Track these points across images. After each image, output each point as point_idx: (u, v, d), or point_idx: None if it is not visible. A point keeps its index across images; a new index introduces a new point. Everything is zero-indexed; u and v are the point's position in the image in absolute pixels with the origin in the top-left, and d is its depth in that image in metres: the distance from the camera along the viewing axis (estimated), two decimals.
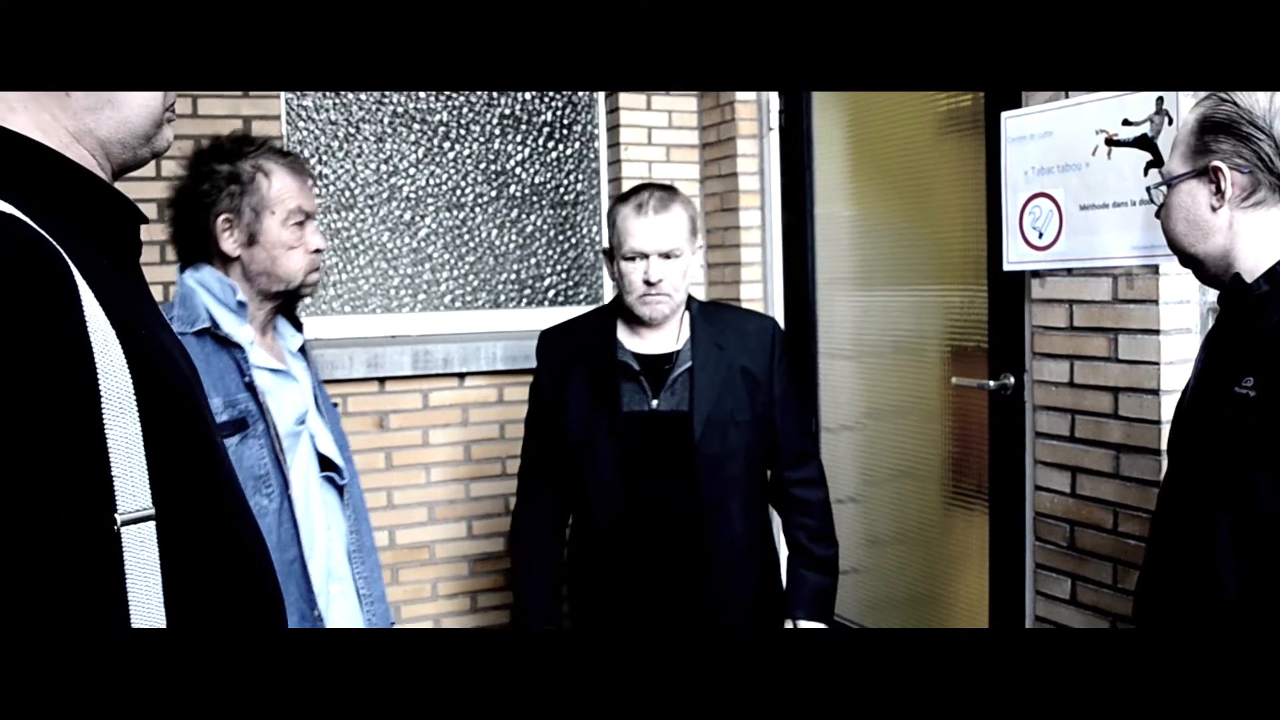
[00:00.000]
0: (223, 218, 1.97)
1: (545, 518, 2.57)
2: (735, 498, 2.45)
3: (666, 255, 2.38)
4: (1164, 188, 1.75)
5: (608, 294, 3.95)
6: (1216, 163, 1.65)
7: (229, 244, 1.97)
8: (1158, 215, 1.79)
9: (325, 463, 2.10)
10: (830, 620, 2.55)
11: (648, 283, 2.38)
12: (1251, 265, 1.66)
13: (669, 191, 2.45)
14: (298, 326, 2.20)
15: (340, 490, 2.14)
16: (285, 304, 2.13)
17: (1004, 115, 2.68)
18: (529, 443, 2.59)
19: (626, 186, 3.78)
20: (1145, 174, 2.33)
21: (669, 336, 2.47)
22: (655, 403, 2.43)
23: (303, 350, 2.18)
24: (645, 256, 2.38)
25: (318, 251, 2.07)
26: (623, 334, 2.48)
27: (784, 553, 2.60)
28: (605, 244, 2.55)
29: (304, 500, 2.01)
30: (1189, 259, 1.76)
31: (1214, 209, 1.67)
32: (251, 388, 1.93)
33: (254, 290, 2.01)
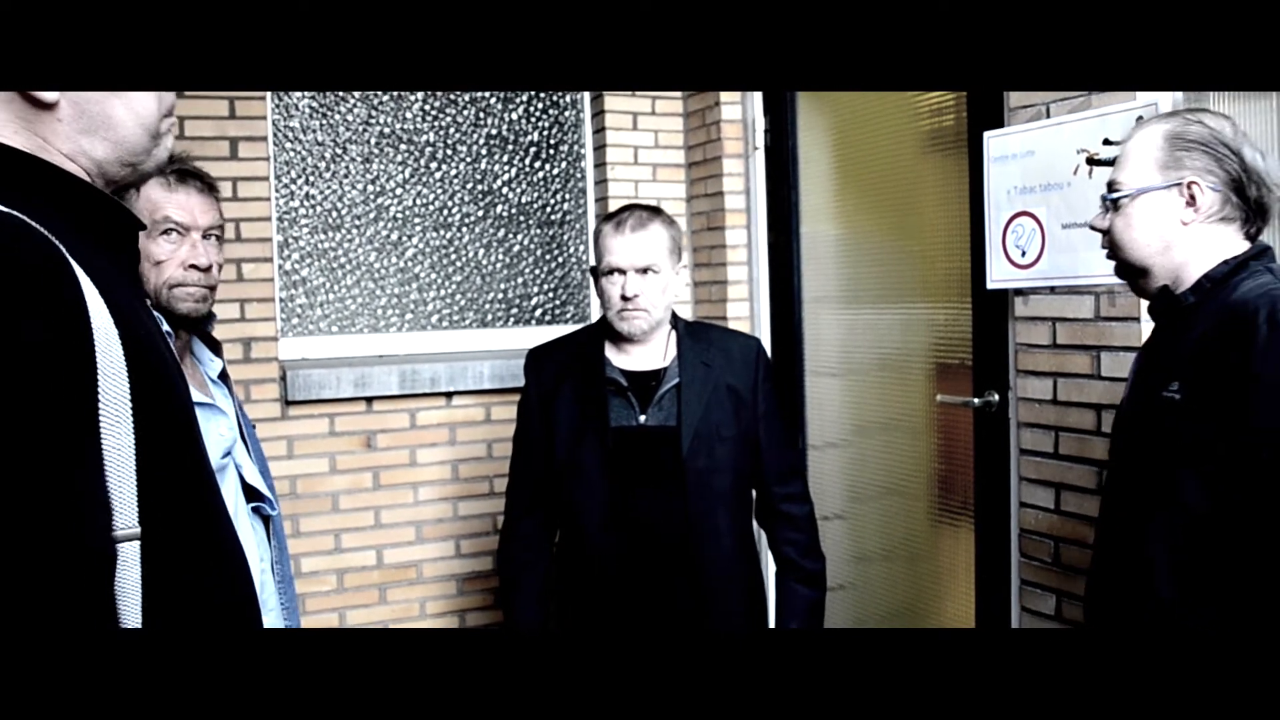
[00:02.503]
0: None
1: (534, 536, 2.58)
2: (722, 512, 2.48)
3: (643, 271, 2.42)
4: (1124, 197, 1.80)
5: (594, 313, 3.96)
6: (1193, 178, 1.72)
7: None
8: (1095, 226, 1.86)
9: (251, 493, 2.01)
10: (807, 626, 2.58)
11: (624, 298, 2.43)
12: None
13: (652, 211, 2.49)
14: (217, 351, 2.07)
15: (267, 520, 2.07)
16: (202, 329, 2.01)
17: (986, 135, 2.70)
18: (517, 461, 2.61)
19: (613, 206, 3.80)
20: None
21: (656, 354, 2.51)
22: (643, 418, 2.46)
23: (224, 375, 2.06)
24: (622, 272, 2.43)
25: (195, 269, 1.92)
26: (610, 351, 2.51)
27: (767, 567, 2.62)
28: (592, 263, 2.57)
29: None
30: (1135, 269, 1.82)
31: (1184, 223, 1.75)
32: None
33: None
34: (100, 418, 0.95)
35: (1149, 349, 1.86)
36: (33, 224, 0.97)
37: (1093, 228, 1.88)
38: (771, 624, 2.68)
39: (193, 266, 1.92)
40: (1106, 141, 2.39)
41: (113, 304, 1.00)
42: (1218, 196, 1.73)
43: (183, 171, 1.96)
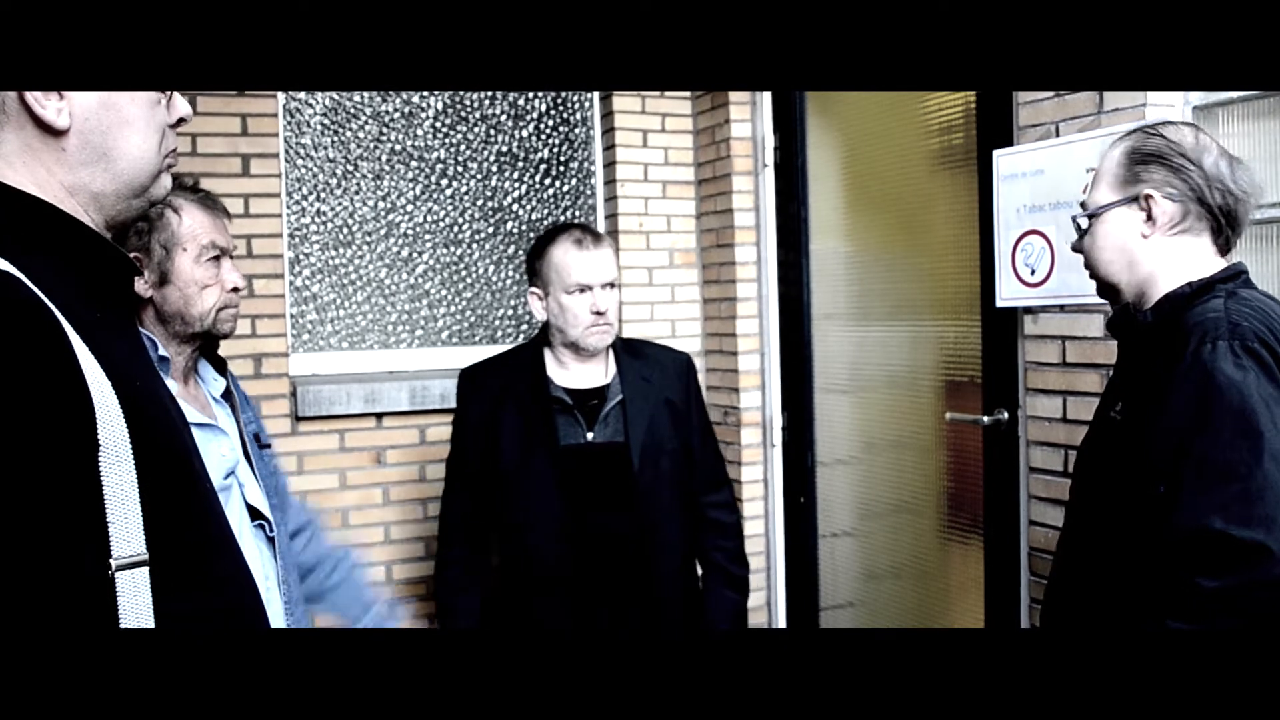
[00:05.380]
0: (131, 257, 1.88)
1: (470, 560, 2.59)
2: (671, 524, 2.55)
3: (607, 286, 2.49)
4: (1087, 217, 1.80)
5: None
6: (1149, 191, 1.71)
7: (140, 285, 1.86)
8: (1075, 248, 1.85)
9: (254, 513, 1.99)
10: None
11: (598, 313, 2.48)
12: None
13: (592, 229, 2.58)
14: (220, 369, 2.07)
15: (271, 540, 2.04)
16: (206, 346, 2.02)
17: (995, 153, 2.70)
18: (454, 485, 2.61)
19: (623, 223, 3.81)
20: None
21: (597, 371, 2.56)
22: (590, 435, 2.50)
23: (227, 394, 2.05)
24: (590, 288, 2.47)
25: (235, 290, 1.98)
26: (552, 369, 2.55)
27: None
28: (530, 282, 2.60)
29: None
30: (1107, 288, 1.81)
31: (1144, 236, 1.74)
32: None
33: (168, 334, 1.90)
34: (100, 458, 0.99)
35: (1114, 368, 1.88)
36: (24, 281, 0.99)
37: (1073, 249, 1.88)
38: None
39: (234, 289, 1.98)
40: None
41: (102, 355, 1.03)
42: (1177, 208, 1.71)
43: (209, 195, 2.00)
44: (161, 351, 1.86)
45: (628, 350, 2.62)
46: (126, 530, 1.00)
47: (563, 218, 3.95)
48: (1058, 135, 2.56)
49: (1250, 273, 1.76)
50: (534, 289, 2.55)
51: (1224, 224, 1.71)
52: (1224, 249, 1.74)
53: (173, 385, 1.85)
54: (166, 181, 1.23)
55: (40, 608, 0.93)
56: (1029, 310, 2.67)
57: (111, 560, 0.99)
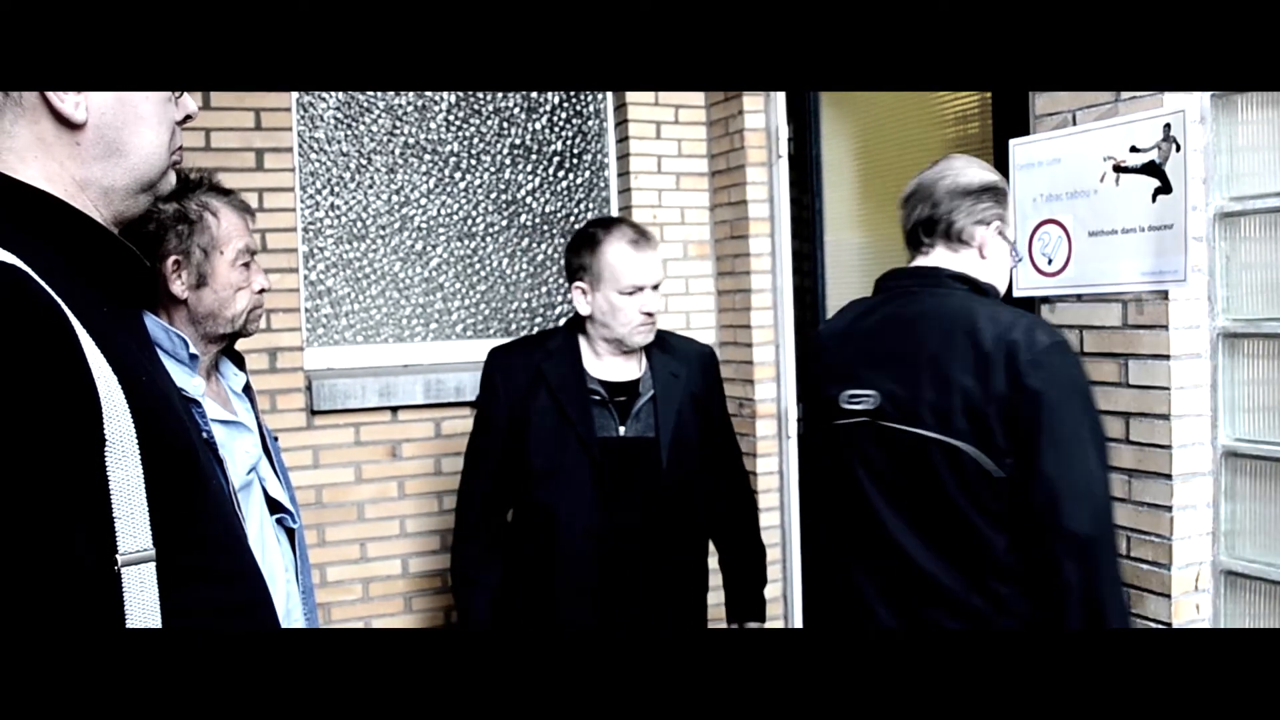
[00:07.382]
0: (172, 259, 1.89)
1: (493, 544, 2.59)
2: (690, 518, 2.58)
3: (656, 286, 2.50)
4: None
5: None
6: None
7: (178, 286, 1.89)
8: None
9: (273, 505, 2.02)
10: (764, 619, 2.75)
11: (646, 313, 2.47)
12: None
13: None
14: (239, 364, 2.11)
15: (290, 532, 2.08)
16: (228, 343, 2.05)
17: (1012, 142, 2.69)
18: (478, 467, 2.59)
19: (637, 215, 3.81)
20: (1153, 200, 2.34)
21: (631, 365, 2.56)
22: (623, 429, 2.50)
23: (247, 388, 2.09)
24: (643, 289, 2.47)
25: (261, 291, 2.02)
26: (587, 360, 2.54)
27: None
28: (572, 274, 2.57)
29: (259, 549, 1.93)
30: None
31: None
32: (209, 444, 1.78)
33: (198, 334, 1.93)
34: (107, 454, 0.99)
35: None
36: (32, 276, 0.99)
37: None
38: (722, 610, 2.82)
39: (260, 290, 2.03)
40: (1133, 149, 2.38)
41: (109, 351, 1.03)
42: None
43: (238, 198, 2.03)
44: (192, 349, 1.89)
45: (658, 344, 2.60)
46: (133, 526, 1.01)
47: (576, 210, 3.95)
48: (1074, 124, 2.55)
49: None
50: (580, 283, 2.52)
51: (929, 232, 2.09)
52: (930, 248, 2.09)
53: (202, 386, 1.88)
54: (172, 178, 1.25)
55: (46, 603, 0.93)
56: (1046, 300, 2.65)
57: (118, 556, 0.99)
